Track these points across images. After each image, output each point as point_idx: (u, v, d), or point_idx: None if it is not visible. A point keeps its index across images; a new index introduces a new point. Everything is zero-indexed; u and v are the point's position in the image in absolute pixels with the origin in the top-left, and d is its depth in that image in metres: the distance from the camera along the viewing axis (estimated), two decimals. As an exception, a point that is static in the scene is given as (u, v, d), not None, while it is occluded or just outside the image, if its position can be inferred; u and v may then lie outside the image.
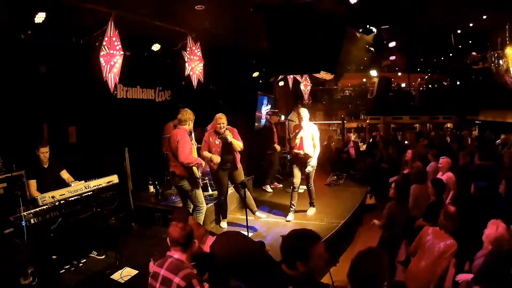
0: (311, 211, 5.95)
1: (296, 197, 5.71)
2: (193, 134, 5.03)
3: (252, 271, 2.57)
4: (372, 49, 7.15)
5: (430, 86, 16.55)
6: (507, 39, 7.80)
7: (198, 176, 4.83)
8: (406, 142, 9.81)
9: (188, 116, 4.76)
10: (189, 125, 4.79)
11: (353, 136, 11.48)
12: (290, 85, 10.45)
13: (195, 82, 6.18)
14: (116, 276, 4.13)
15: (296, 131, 5.62)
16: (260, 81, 9.56)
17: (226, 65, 7.67)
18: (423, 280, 3.24)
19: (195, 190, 4.82)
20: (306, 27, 4.78)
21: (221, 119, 5.07)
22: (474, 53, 10.54)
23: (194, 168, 4.74)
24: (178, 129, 4.75)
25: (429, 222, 3.74)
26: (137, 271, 4.17)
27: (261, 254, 2.87)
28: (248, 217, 4.72)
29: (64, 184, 4.54)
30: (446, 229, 3.29)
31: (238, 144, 5.15)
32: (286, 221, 5.63)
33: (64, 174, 4.71)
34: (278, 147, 7.79)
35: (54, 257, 4.12)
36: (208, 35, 6.20)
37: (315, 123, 5.90)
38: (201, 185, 4.90)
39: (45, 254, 3.97)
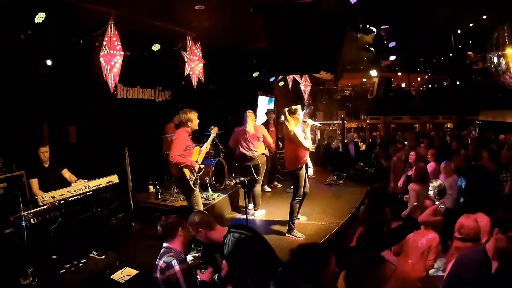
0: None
1: None
2: (211, 137, 5.15)
3: (266, 269, 2.54)
4: (372, 49, 7.15)
5: (430, 86, 16.55)
6: (506, 39, 7.80)
7: (189, 179, 4.60)
8: (405, 142, 9.78)
9: (184, 117, 4.61)
10: (188, 125, 4.63)
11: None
12: (290, 85, 10.46)
13: (195, 82, 6.19)
14: (116, 276, 4.12)
15: (304, 132, 4.82)
16: (261, 82, 9.56)
17: (226, 65, 7.67)
18: (412, 278, 3.27)
19: (189, 193, 4.69)
20: (306, 27, 4.78)
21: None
22: (470, 53, 10.53)
23: (186, 170, 4.57)
24: (179, 129, 4.71)
25: None
26: (137, 271, 4.16)
27: (276, 256, 2.85)
28: (247, 217, 4.72)
29: (66, 184, 4.54)
30: (426, 226, 3.39)
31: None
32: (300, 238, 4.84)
33: (66, 173, 4.72)
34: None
35: (54, 257, 4.12)
36: (208, 35, 6.20)
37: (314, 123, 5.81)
38: (194, 188, 4.66)
39: (45, 254, 3.97)
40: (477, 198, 4.56)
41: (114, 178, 4.85)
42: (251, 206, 5.98)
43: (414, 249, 3.33)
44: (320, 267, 1.88)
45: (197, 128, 4.75)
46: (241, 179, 5.25)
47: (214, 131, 5.32)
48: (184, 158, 4.53)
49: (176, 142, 4.56)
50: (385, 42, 7.24)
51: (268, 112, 8.25)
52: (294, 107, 4.77)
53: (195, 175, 4.67)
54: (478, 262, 2.31)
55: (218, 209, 5.88)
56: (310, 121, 4.92)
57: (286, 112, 4.72)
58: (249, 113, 6.10)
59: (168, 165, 6.55)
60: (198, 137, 6.07)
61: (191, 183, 4.60)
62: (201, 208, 4.71)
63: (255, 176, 5.91)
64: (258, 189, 5.89)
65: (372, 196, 4.05)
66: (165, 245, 2.69)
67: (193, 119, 4.65)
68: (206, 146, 4.99)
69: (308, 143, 4.72)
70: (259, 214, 5.81)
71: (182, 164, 4.52)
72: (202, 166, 4.88)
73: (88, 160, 5.39)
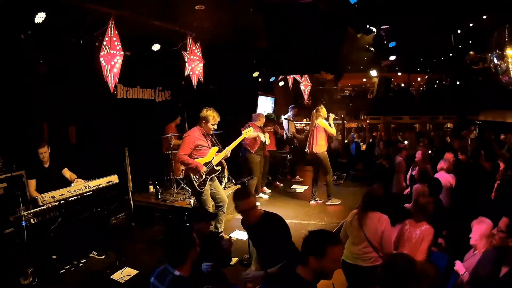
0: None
1: None
2: (240, 138, 5.20)
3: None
4: (372, 49, 7.16)
5: (430, 86, 16.53)
6: (506, 39, 7.80)
7: (194, 180, 4.53)
8: (406, 142, 9.79)
9: (203, 113, 4.53)
10: (202, 125, 4.55)
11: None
12: (290, 85, 10.47)
13: (195, 82, 6.19)
14: (116, 276, 4.12)
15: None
16: (261, 82, 9.56)
17: (226, 65, 7.67)
18: None
19: (195, 193, 4.66)
20: (306, 27, 4.78)
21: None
22: (472, 52, 10.54)
23: (190, 172, 4.53)
24: (193, 127, 4.64)
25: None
26: (137, 271, 4.17)
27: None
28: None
29: (66, 184, 4.54)
30: (415, 218, 3.46)
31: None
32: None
33: (66, 173, 4.71)
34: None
35: (54, 257, 4.12)
36: (208, 35, 6.20)
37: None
38: (200, 190, 4.56)
39: (45, 254, 3.97)
40: (473, 197, 4.55)
41: (114, 178, 4.84)
42: None
43: (409, 240, 3.40)
44: (330, 241, 2.05)
45: (211, 132, 4.62)
46: (242, 179, 5.27)
47: (245, 132, 5.34)
48: (190, 158, 4.45)
49: (184, 141, 4.51)
50: (385, 42, 7.24)
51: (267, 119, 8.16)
52: (319, 107, 6.41)
53: (203, 176, 4.53)
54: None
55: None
56: (331, 115, 6.49)
57: (314, 111, 6.38)
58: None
59: (168, 165, 6.61)
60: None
61: (195, 184, 4.52)
62: (210, 209, 4.65)
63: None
64: (251, 181, 6.45)
65: (366, 199, 3.96)
66: (176, 273, 2.23)
67: (209, 120, 4.50)
68: (232, 146, 4.88)
69: (333, 130, 6.39)
70: None
71: (187, 165, 4.47)
72: (218, 167, 4.73)
73: (88, 160, 5.39)
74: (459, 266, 3.01)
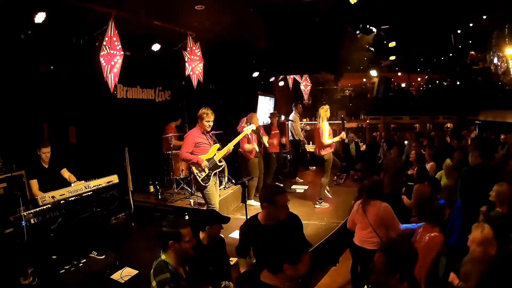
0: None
1: None
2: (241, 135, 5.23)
3: None
4: (372, 49, 7.16)
5: (430, 86, 16.54)
6: (506, 39, 7.80)
7: (197, 175, 4.69)
8: (406, 142, 9.78)
9: (200, 111, 4.72)
10: (199, 123, 4.73)
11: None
12: (290, 85, 10.46)
13: (195, 82, 6.18)
14: (116, 276, 4.13)
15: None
16: (261, 82, 9.56)
17: (226, 65, 7.67)
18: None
19: (200, 189, 4.82)
20: (306, 27, 4.78)
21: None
22: (472, 52, 10.54)
23: (193, 168, 4.71)
24: (194, 127, 4.85)
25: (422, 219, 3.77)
26: (137, 271, 4.17)
27: None
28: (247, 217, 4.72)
29: (66, 184, 4.54)
30: (429, 223, 3.34)
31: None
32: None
33: (65, 173, 4.71)
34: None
35: (54, 257, 4.12)
36: (208, 35, 6.19)
37: (311, 123, 6.07)
38: (204, 185, 4.71)
39: (45, 254, 3.97)
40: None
41: (114, 178, 4.85)
42: (253, 202, 6.40)
43: (419, 244, 3.25)
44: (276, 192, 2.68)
45: (207, 128, 4.75)
46: (242, 179, 5.27)
47: (247, 129, 5.40)
48: (191, 155, 4.63)
49: (185, 140, 4.76)
50: (385, 42, 7.23)
51: (271, 116, 8.23)
52: (324, 107, 6.20)
53: (206, 171, 4.70)
54: None
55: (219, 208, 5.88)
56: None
57: (321, 109, 6.15)
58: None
59: (168, 165, 6.62)
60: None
61: (199, 179, 4.69)
62: (216, 206, 4.76)
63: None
64: (250, 183, 6.44)
65: (368, 189, 3.89)
66: (162, 257, 2.44)
67: (203, 117, 4.69)
68: (233, 143, 5.03)
69: (327, 139, 6.05)
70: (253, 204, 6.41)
71: (189, 161, 4.70)
72: (221, 163, 4.87)
73: (88, 160, 5.39)
74: (452, 278, 2.94)
